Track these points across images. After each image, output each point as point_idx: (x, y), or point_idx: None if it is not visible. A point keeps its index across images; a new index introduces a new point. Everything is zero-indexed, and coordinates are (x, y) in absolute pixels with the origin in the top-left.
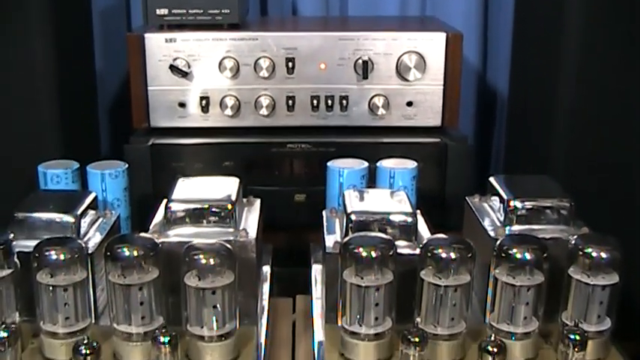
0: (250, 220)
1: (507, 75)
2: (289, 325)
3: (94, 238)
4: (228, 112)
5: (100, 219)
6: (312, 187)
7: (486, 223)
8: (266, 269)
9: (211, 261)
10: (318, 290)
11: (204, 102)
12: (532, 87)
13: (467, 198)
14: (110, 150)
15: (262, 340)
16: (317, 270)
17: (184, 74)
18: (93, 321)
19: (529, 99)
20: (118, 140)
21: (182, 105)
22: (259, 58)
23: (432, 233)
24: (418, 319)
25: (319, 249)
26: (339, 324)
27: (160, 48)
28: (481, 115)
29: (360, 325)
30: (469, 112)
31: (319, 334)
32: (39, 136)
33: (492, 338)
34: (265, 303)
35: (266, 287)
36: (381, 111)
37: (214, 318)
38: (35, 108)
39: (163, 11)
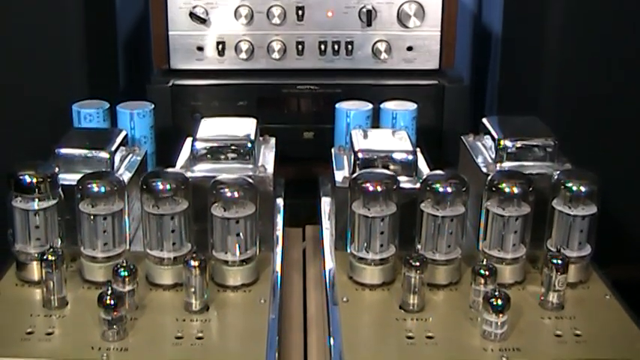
0: (267, 157)
1: (501, 17)
2: (300, 252)
3: (126, 173)
4: (243, 55)
5: (130, 155)
6: (320, 125)
7: (479, 160)
8: (279, 201)
9: (235, 194)
10: (326, 220)
11: (220, 46)
12: (524, 29)
13: (462, 137)
14: (128, 88)
15: (278, 265)
16: (325, 202)
17: (203, 21)
18: (127, 247)
19: (521, 40)
20: (135, 79)
21: (200, 49)
22: (272, 6)
23: (431, 169)
24: (419, 246)
25: (327, 182)
26: (348, 250)
27: None
28: (477, 57)
29: (367, 252)
30: (466, 54)
31: (329, 261)
32: (66, 74)
33: (484, 263)
34: (279, 232)
35: (279, 217)
36: (383, 55)
37: (237, 245)
38: (63, 48)
39: None
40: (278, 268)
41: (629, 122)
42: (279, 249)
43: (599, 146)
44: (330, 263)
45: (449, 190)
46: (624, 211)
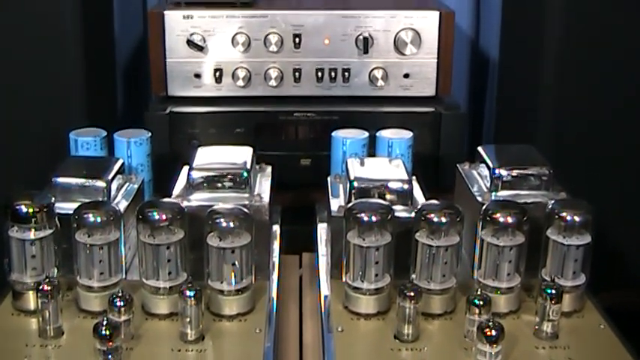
0: (264, 185)
1: (498, 43)
2: (296, 280)
3: (122, 201)
4: (240, 82)
5: (127, 183)
6: (317, 151)
7: (474, 189)
8: (275, 228)
9: (231, 224)
10: (323, 247)
11: (217, 73)
12: (521, 54)
13: (458, 165)
14: (127, 114)
15: (274, 293)
16: (322, 228)
17: (200, 48)
18: (123, 276)
19: (518, 66)
20: (133, 105)
21: (197, 76)
22: (269, 34)
23: (426, 198)
24: (413, 276)
25: (324, 210)
26: (343, 280)
27: (178, 24)
28: (474, 84)
29: (362, 281)
30: (463, 79)
31: (325, 289)
32: (65, 102)
33: (479, 292)
34: (275, 259)
35: (276, 244)
36: (380, 82)
37: (233, 274)
38: (62, 74)
39: None
40: (274, 297)
41: (626, 149)
42: (274, 277)
43: (595, 173)
44: (325, 292)
45: (443, 220)
46: (619, 237)
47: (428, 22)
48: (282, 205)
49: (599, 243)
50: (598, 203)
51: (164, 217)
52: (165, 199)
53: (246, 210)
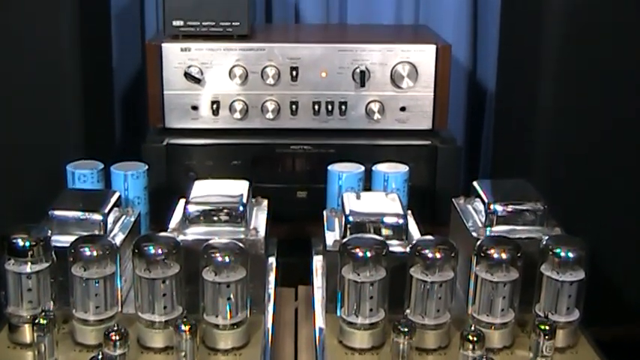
0: (259, 219)
1: (495, 78)
2: (292, 313)
3: (119, 235)
4: (237, 115)
5: (124, 216)
6: (313, 184)
7: (469, 224)
8: (271, 260)
9: (226, 258)
10: (318, 280)
11: (215, 106)
12: (517, 90)
13: (453, 199)
14: (123, 145)
15: (269, 326)
16: (318, 261)
17: (197, 80)
18: (119, 309)
19: (515, 101)
20: (131, 136)
21: (195, 108)
22: (266, 67)
23: (422, 232)
24: (408, 311)
25: (319, 243)
26: (338, 314)
27: (176, 56)
28: (471, 116)
29: (357, 316)
30: (459, 111)
31: (320, 323)
32: (62, 131)
33: (473, 328)
34: (271, 291)
35: (272, 277)
36: (376, 115)
37: (228, 308)
38: (59, 105)
39: (179, 22)
40: (269, 331)
41: (624, 184)
42: (270, 309)
43: (591, 206)
44: (320, 326)
45: (438, 255)
46: (614, 271)
47: (425, 55)
48: (279, 237)
49: (593, 276)
50: (593, 235)
51: (160, 251)
52: (161, 234)
53: (241, 245)
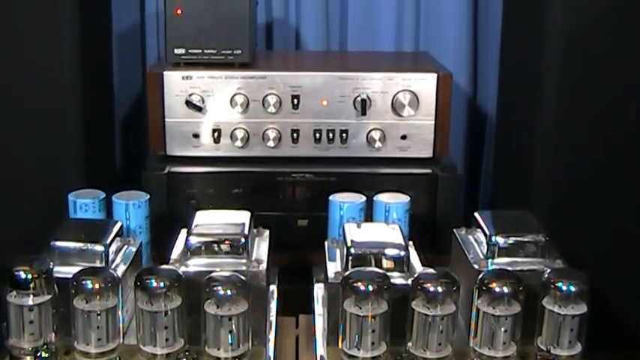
0: (261, 250)
1: (495, 104)
2: (293, 342)
3: (121, 265)
4: (238, 143)
5: (125, 246)
6: (314, 212)
7: (471, 256)
8: (272, 287)
9: (228, 291)
10: (319, 308)
11: (216, 133)
12: (518, 116)
13: (455, 230)
14: (124, 171)
15: (271, 354)
16: (319, 288)
17: (199, 109)
18: (121, 341)
19: (515, 127)
20: (132, 162)
21: (196, 136)
22: (267, 95)
23: (422, 262)
24: (410, 344)
25: (320, 272)
26: (340, 346)
27: (177, 84)
28: (471, 143)
29: (358, 349)
30: (459, 139)
31: (321, 350)
32: (63, 158)
33: None
34: (273, 319)
35: (273, 304)
36: (377, 144)
37: (230, 341)
38: (60, 133)
39: (181, 51)
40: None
41: (625, 211)
42: (271, 337)
43: (591, 234)
44: (321, 354)
45: (440, 289)
46: (615, 300)
47: (426, 84)
48: (279, 265)
49: (595, 305)
50: (593, 264)
51: (162, 284)
52: (163, 266)
53: (243, 277)
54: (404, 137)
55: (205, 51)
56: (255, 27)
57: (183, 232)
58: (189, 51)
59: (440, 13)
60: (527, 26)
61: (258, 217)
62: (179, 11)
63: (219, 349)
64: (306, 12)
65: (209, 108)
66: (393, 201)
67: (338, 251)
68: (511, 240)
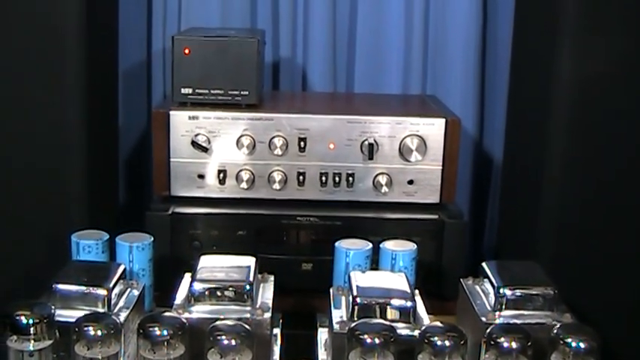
0: (266, 296)
1: (502, 149)
2: None
3: (123, 310)
4: (244, 185)
5: (128, 289)
6: (319, 257)
7: (478, 307)
8: (276, 331)
9: (232, 341)
10: (323, 353)
11: (221, 175)
12: (524, 162)
13: (461, 280)
14: (127, 211)
15: None
16: (322, 332)
17: (205, 149)
18: None
19: (522, 174)
20: (135, 202)
21: (201, 176)
22: (274, 137)
23: (428, 310)
24: None
25: (325, 318)
26: None
27: (183, 124)
28: (477, 188)
29: None
30: (465, 185)
31: None
32: (66, 198)
33: None
34: None
35: (276, 349)
36: (384, 188)
37: None
38: (64, 172)
39: (188, 90)
40: None
41: (634, 260)
42: None
43: (599, 284)
44: None
45: (447, 343)
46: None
47: (434, 129)
48: (283, 309)
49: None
50: (604, 318)
51: (165, 332)
52: (167, 314)
53: (247, 327)
54: (411, 182)
55: (212, 91)
56: (262, 68)
57: (187, 276)
58: (197, 91)
59: (447, 55)
60: (535, 71)
61: (261, 260)
62: (187, 51)
63: None
64: (314, 52)
65: (215, 149)
66: (400, 249)
67: (343, 299)
68: (519, 292)
